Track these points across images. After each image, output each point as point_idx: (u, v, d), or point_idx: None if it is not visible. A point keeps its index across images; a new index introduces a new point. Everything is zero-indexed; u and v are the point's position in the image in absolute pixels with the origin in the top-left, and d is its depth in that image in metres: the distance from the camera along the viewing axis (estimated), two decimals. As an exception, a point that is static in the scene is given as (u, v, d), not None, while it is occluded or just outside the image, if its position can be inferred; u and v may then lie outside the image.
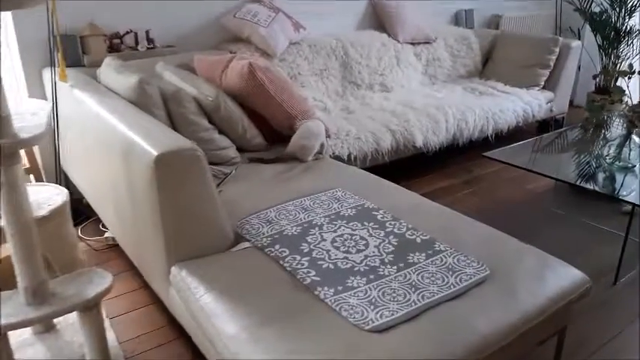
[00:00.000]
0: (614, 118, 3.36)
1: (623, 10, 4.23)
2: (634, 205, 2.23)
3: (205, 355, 1.62)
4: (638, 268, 2.45)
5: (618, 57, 4.31)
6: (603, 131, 3.15)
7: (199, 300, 1.52)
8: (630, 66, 3.92)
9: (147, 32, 2.99)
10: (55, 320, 1.93)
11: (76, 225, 2.73)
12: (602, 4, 4.35)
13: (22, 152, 2.69)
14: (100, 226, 2.69)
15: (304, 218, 1.90)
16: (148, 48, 2.98)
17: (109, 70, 2.40)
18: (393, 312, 1.41)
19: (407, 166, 3.46)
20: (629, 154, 2.68)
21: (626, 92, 4.06)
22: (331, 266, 1.62)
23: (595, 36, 4.39)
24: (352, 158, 2.93)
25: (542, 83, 4.12)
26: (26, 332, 1.89)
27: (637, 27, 4.26)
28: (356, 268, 1.61)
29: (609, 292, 2.30)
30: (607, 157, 2.68)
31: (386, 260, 1.65)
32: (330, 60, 3.58)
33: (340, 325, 1.38)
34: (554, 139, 3.05)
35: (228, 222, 1.77)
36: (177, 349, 1.93)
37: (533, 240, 1.87)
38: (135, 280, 2.31)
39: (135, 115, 1.97)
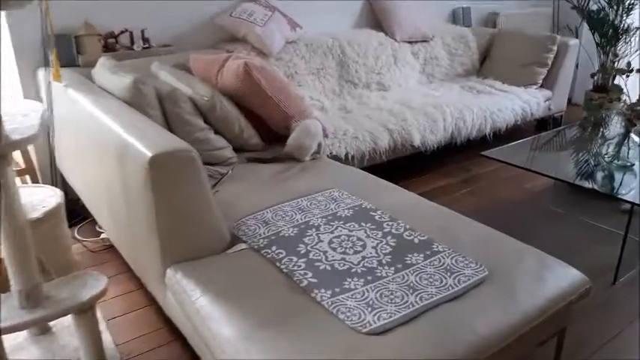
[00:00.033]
0: (612, 117, 3.35)
1: (620, 7, 4.21)
2: (633, 203, 2.22)
3: (202, 358, 1.61)
4: (637, 268, 2.44)
5: (616, 55, 4.30)
6: (602, 130, 3.14)
7: (195, 303, 1.50)
8: (628, 64, 3.90)
9: (142, 32, 2.97)
10: (51, 323, 1.91)
11: (72, 226, 2.72)
12: (599, 1, 4.34)
13: (18, 153, 2.69)
14: (97, 227, 2.67)
15: (301, 219, 1.88)
16: (143, 48, 2.96)
17: (104, 70, 2.38)
18: (391, 314, 1.40)
19: (405, 166, 3.44)
20: (628, 152, 2.67)
21: (624, 90, 4.05)
22: (328, 268, 1.60)
23: (593, 34, 4.38)
24: (350, 158, 2.91)
25: (540, 81, 4.10)
26: (21, 335, 1.87)
27: (635, 25, 4.24)
28: (353, 270, 1.59)
29: (608, 291, 2.29)
30: (605, 156, 2.67)
31: (383, 261, 1.63)
32: (327, 59, 3.56)
33: (337, 328, 1.36)
34: (552, 137, 3.04)
35: (224, 223, 1.75)
36: (175, 351, 1.91)
37: (531, 239, 1.86)
38: (132, 282, 2.29)
39: (129, 115, 1.96)
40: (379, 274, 1.57)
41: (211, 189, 2.06)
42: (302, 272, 1.58)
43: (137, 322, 2.06)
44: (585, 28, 4.61)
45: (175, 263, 1.64)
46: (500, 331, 1.41)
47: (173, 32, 3.15)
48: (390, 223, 1.85)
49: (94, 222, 2.70)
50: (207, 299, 1.49)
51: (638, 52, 4.26)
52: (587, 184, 2.38)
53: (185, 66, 2.77)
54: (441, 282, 1.54)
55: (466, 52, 4.35)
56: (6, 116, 1.42)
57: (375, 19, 4.03)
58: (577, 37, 4.38)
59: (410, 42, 4.05)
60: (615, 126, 3.17)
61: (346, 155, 2.90)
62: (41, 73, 2.64)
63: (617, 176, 2.46)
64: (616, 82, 4.28)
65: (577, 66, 4.64)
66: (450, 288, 1.52)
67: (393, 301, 1.45)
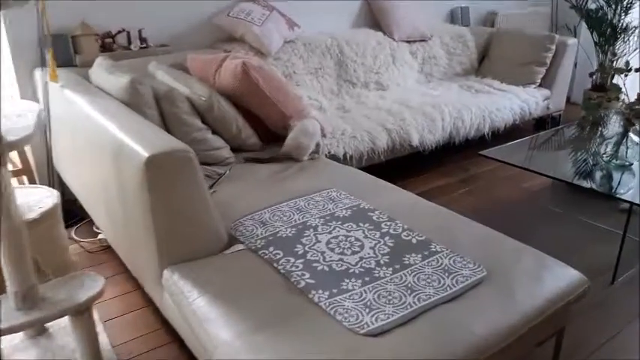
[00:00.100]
0: (610, 116, 3.35)
1: (619, 7, 4.21)
2: (631, 203, 2.21)
3: (199, 359, 1.60)
4: (637, 267, 2.44)
5: (614, 54, 4.29)
6: (600, 129, 3.13)
7: (192, 304, 1.49)
8: (627, 63, 3.90)
9: (139, 31, 2.96)
10: (48, 324, 1.90)
11: (69, 226, 2.71)
12: (598, 1, 4.33)
13: (15, 153, 2.68)
14: (94, 228, 2.66)
15: (299, 219, 1.88)
16: (140, 47, 2.95)
17: (101, 70, 2.37)
18: (389, 315, 1.39)
19: (403, 165, 3.44)
20: (626, 152, 2.66)
21: (623, 90, 4.04)
22: (326, 268, 1.59)
23: (591, 33, 4.38)
24: (348, 158, 2.90)
25: (539, 81, 4.10)
26: (18, 336, 1.86)
27: (633, 24, 4.24)
28: (351, 270, 1.58)
29: (607, 291, 2.28)
30: (604, 155, 2.66)
31: (381, 262, 1.63)
32: (325, 58, 3.55)
33: (335, 330, 1.35)
34: (550, 137, 3.04)
35: (221, 224, 1.74)
36: (172, 353, 1.90)
37: (530, 239, 1.85)
38: (129, 282, 2.29)
39: (126, 115, 1.95)
40: (377, 275, 1.56)
41: (209, 189, 2.06)
42: (299, 273, 1.57)
43: (134, 323, 2.06)
44: (584, 28, 4.60)
45: (172, 264, 1.64)
46: (499, 331, 1.40)
47: (170, 32, 3.14)
48: (388, 224, 1.84)
49: (91, 222, 2.69)
50: (204, 300, 1.48)
51: (636, 51, 4.25)
52: (586, 184, 2.38)
53: (183, 66, 2.76)
54: (439, 282, 1.53)
55: (464, 52, 4.34)
56: (2, 117, 1.41)
57: (374, 19, 4.03)
58: (575, 37, 4.37)
59: (408, 41, 4.04)
60: (614, 125, 3.16)
61: (344, 155, 2.89)
62: (38, 74, 2.63)
63: (616, 176, 2.46)
64: (614, 81, 4.27)
65: (575, 65, 4.63)
66: (448, 288, 1.51)
67: (391, 302, 1.44)
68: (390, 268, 1.60)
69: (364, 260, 1.63)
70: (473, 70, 4.39)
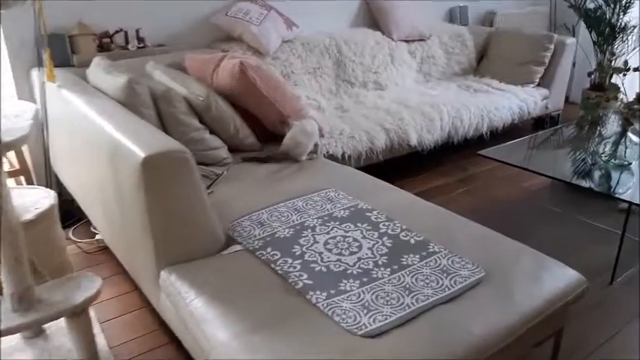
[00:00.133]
0: (609, 116, 3.34)
1: (617, 6, 4.20)
2: (630, 203, 2.21)
3: (196, 360, 1.59)
4: (636, 267, 2.43)
5: (613, 54, 4.29)
6: (599, 129, 3.13)
7: (189, 305, 1.49)
8: (625, 62, 3.90)
9: (137, 31, 2.95)
10: (45, 325, 1.89)
11: (67, 227, 2.70)
12: (596, 0, 4.33)
13: (12, 154, 2.67)
14: (92, 228, 2.65)
15: (297, 220, 1.87)
16: (138, 47, 2.94)
17: (98, 70, 2.36)
18: (387, 316, 1.38)
19: (402, 165, 3.43)
20: (625, 151, 2.66)
21: (622, 89, 4.04)
22: (324, 269, 1.59)
23: (590, 33, 4.37)
24: (346, 157, 2.89)
25: (537, 80, 4.09)
26: (15, 338, 1.85)
27: (632, 23, 4.23)
28: (349, 271, 1.58)
29: (606, 291, 2.28)
30: (603, 155, 2.66)
31: (379, 262, 1.62)
32: (324, 58, 3.54)
33: (333, 331, 1.35)
34: (549, 136, 3.03)
35: (218, 224, 1.74)
36: (170, 354, 1.89)
37: (528, 238, 1.85)
38: (127, 283, 2.28)
39: (123, 115, 1.94)
40: (375, 276, 1.56)
41: (206, 189, 2.05)
42: (297, 274, 1.56)
43: (132, 324, 2.05)
44: (582, 27, 4.60)
45: (169, 265, 1.63)
46: (498, 332, 1.40)
47: (168, 32, 3.13)
48: (387, 224, 1.84)
49: (88, 223, 2.68)
50: (201, 301, 1.48)
51: (634, 51, 4.25)
52: (584, 184, 2.38)
53: (180, 66, 2.75)
54: (438, 283, 1.53)
55: (463, 51, 4.34)
56: (2, 117, 1.41)
57: (372, 19, 4.02)
58: (574, 36, 4.37)
59: (407, 41, 4.03)
60: (612, 125, 3.16)
61: (343, 155, 2.88)
62: (35, 74, 2.62)
63: (615, 175, 2.46)
64: (613, 80, 4.27)
65: (574, 65, 4.63)
66: (447, 289, 1.50)
67: (389, 303, 1.44)
68: (388, 269, 1.59)
69: (362, 261, 1.63)
70: (471, 69, 4.38)
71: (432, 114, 3.32)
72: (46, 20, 2.44)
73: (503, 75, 4.11)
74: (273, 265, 1.61)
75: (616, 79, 4.23)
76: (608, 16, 4.24)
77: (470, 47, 4.37)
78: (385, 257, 1.65)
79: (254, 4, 3.28)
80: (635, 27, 4.25)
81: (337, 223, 1.85)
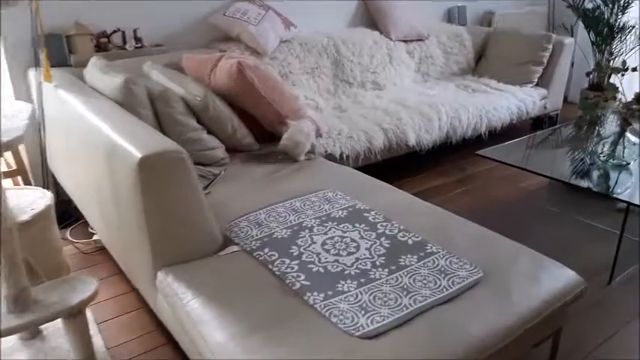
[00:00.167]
0: (607, 116, 3.34)
1: (616, 6, 4.20)
2: (628, 203, 2.20)
3: (193, 362, 1.59)
4: (636, 267, 2.43)
5: (611, 54, 4.29)
6: (597, 129, 3.13)
7: (186, 306, 1.48)
8: (623, 63, 3.89)
9: (135, 31, 2.94)
10: (42, 326, 1.88)
11: (64, 227, 2.70)
12: (595, 0, 4.33)
13: (9, 154, 2.66)
14: (89, 229, 2.65)
15: (294, 220, 1.86)
16: (135, 47, 2.93)
17: (95, 70, 2.36)
18: (384, 317, 1.38)
19: (400, 165, 3.43)
20: (623, 151, 2.65)
21: (620, 89, 4.04)
22: (321, 270, 1.58)
23: (588, 32, 4.37)
24: (344, 157, 2.89)
25: (536, 80, 4.09)
26: (12, 339, 1.85)
27: (630, 23, 4.23)
28: (346, 272, 1.57)
29: (604, 291, 2.27)
30: (601, 155, 2.65)
31: (377, 263, 1.62)
32: (322, 58, 3.54)
33: (330, 332, 1.34)
34: (547, 136, 3.03)
35: (216, 225, 1.73)
36: (167, 354, 1.89)
37: (527, 238, 1.84)
38: (124, 284, 2.27)
39: (120, 116, 1.93)
40: (373, 276, 1.55)
41: (204, 190, 2.05)
42: (294, 275, 1.56)
43: (129, 324, 2.04)
44: (581, 27, 4.59)
45: (166, 266, 1.62)
46: (495, 332, 1.39)
47: (166, 32, 3.13)
48: (384, 224, 1.83)
49: (86, 223, 2.68)
50: (198, 302, 1.47)
51: (632, 51, 4.24)
52: (583, 184, 2.37)
53: (178, 66, 2.74)
54: (435, 284, 1.52)
55: (461, 51, 4.33)
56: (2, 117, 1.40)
57: (371, 19, 4.01)
58: (572, 36, 4.36)
59: (405, 41, 4.03)
60: (611, 125, 3.16)
61: (341, 155, 2.88)
62: (32, 74, 2.61)
63: (613, 175, 2.45)
64: (611, 80, 4.26)
65: (572, 64, 4.63)
66: (445, 290, 1.50)
67: (387, 304, 1.43)
68: (386, 270, 1.58)
69: (360, 261, 1.62)
70: (470, 69, 4.38)
71: (431, 114, 3.32)
72: (42, 20, 2.43)
73: (501, 75, 4.11)
74: (270, 266, 1.60)
75: (614, 79, 4.23)
76: (606, 16, 4.24)
77: (468, 47, 4.37)
78: (383, 258, 1.64)
79: (252, 4, 3.28)
80: (633, 27, 4.25)
81: (335, 223, 1.84)
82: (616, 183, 2.38)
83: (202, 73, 2.57)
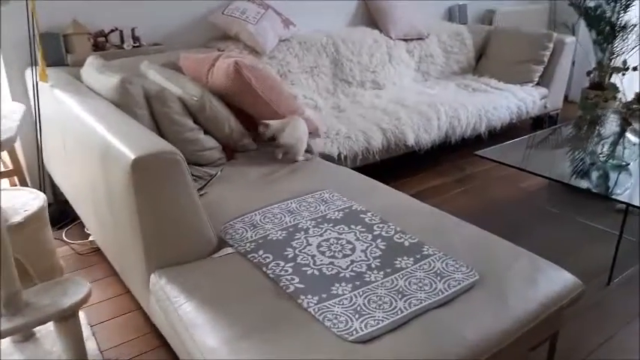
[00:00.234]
0: (608, 116, 3.32)
1: (618, 4, 4.17)
2: (627, 204, 2.18)
3: (186, 365, 1.57)
4: (635, 268, 2.41)
5: (613, 52, 4.26)
6: (597, 129, 3.10)
7: (178, 310, 1.47)
8: (624, 62, 3.87)
9: (132, 30, 2.93)
10: (36, 328, 1.87)
11: (60, 228, 2.69)
12: (597, -2, 4.30)
13: (5, 154, 2.65)
14: (85, 229, 2.63)
15: (290, 222, 1.85)
16: (133, 46, 2.91)
17: (91, 70, 2.34)
18: (379, 321, 1.36)
19: (399, 165, 3.41)
20: (623, 151, 2.63)
21: (620, 89, 4.01)
22: (316, 272, 1.57)
23: (590, 31, 4.34)
24: (342, 158, 2.87)
25: (536, 79, 4.07)
26: (5, 342, 1.83)
27: (632, 22, 4.20)
28: (341, 275, 1.56)
29: (602, 292, 2.25)
30: (601, 155, 2.63)
31: (373, 265, 1.60)
32: (321, 57, 3.52)
33: (323, 336, 1.33)
34: (547, 136, 3.01)
35: (210, 227, 1.72)
36: (161, 357, 1.87)
37: (526, 239, 1.83)
38: (119, 285, 2.26)
39: (115, 116, 1.92)
40: (368, 279, 1.54)
41: (200, 191, 2.04)
42: (289, 277, 1.54)
43: (123, 327, 2.03)
44: (582, 25, 4.57)
45: (160, 268, 1.61)
46: (491, 336, 1.38)
47: (164, 31, 3.11)
48: (381, 226, 1.82)
49: (82, 224, 2.66)
50: (191, 306, 1.46)
51: (634, 50, 4.21)
52: (582, 184, 2.35)
53: (176, 65, 2.73)
54: (431, 287, 1.51)
55: (462, 50, 4.31)
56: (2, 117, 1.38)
57: (371, 18, 3.99)
58: (574, 34, 4.34)
59: (405, 40, 4.01)
60: (611, 125, 3.13)
61: (339, 155, 2.86)
62: (29, 73, 2.60)
63: (612, 176, 2.43)
64: (612, 80, 4.24)
65: (574, 63, 4.60)
66: (440, 293, 1.48)
67: (381, 307, 1.42)
68: (382, 272, 1.57)
69: (355, 264, 1.61)
70: (470, 68, 4.36)
71: (430, 113, 3.30)
72: (39, 20, 2.42)
73: (502, 74, 4.09)
74: (264, 269, 1.59)
75: (615, 78, 4.20)
76: (608, 15, 4.21)
77: (469, 46, 4.34)
78: (378, 260, 1.63)
79: (251, 2, 3.26)
80: (635, 26, 4.22)
81: (331, 225, 1.83)
82: (615, 184, 2.36)
83: (200, 73, 2.56)
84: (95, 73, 2.31)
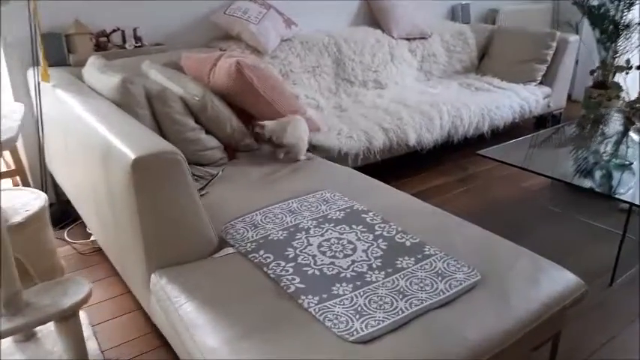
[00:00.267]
0: (611, 115, 3.30)
1: (621, 3, 4.15)
2: (631, 203, 2.17)
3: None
4: (636, 268, 2.40)
5: (616, 52, 4.24)
6: (600, 128, 3.09)
7: (179, 310, 1.46)
8: (627, 61, 3.85)
9: (134, 30, 2.93)
10: (37, 328, 1.87)
11: (62, 227, 2.69)
12: (600, -4, 4.28)
13: (8, 154, 2.66)
14: (87, 229, 2.63)
15: (291, 222, 1.84)
16: (135, 46, 2.92)
17: (93, 70, 2.34)
18: (379, 321, 1.36)
19: (400, 164, 3.40)
20: (627, 151, 2.62)
21: (624, 88, 4.00)
22: (317, 272, 1.56)
23: (593, 30, 4.32)
24: (343, 157, 2.86)
25: (540, 78, 4.06)
26: (6, 341, 1.83)
27: (636, 20, 4.19)
28: (342, 275, 1.55)
29: (605, 292, 2.24)
30: (604, 154, 2.62)
31: (374, 265, 1.59)
32: (323, 57, 3.51)
33: (324, 336, 1.32)
34: (550, 135, 3.00)
35: (211, 227, 1.71)
36: (162, 357, 1.87)
37: (528, 239, 1.82)
38: (120, 285, 2.26)
39: (116, 116, 1.92)
40: (369, 279, 1.53)
41: (201, 190, 2.04)
42: (289, 277, 1.54)
43: (125, 326, 2.03)
44: (586, 24, 4.55)
45: (160, 268, 1.61)
46: (493, 337, 1.37)
47: (166, 31, 3.11)
48: (382, 226, 1.81)
49: (84, 223, 2.66)
50: (191, 306, 1.45)
51: (638, 48, 4.20)
52: (585, 184, 2.34)
53: (177, 65, 2.73)
54: (432, 287, 1.50)
55: (465, 49, 4.30)
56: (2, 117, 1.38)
57: (373, 18, 3.99)
58: (577, 33, 4.32)
59: (407, 39, 4.00)
60: (614, 124, 3.12)
61: (340, 155, 2.85)
62: (31, 73, 2.60)
63: (616, 175, 2.42)
64: (615, 79, 4.22)
65: (577, 62, 4.58)
66: (441, 293, 1.48)
67: (382, 308, 1.41)
68: (383, 272, 1.56)
69: (356, 264, 1.60)
70: (473, 67, 4.35)
71: (432, 113, 3.29)
72: (41, 20, 2.42)
73: (505, 73, 4.08)
74: (265, 269, 1.59)
75: (618, 77, 4.19)
76: (611, 13, 4.19)
77: (471, 45, 4.33)
78: (380, 260, 1.62)
79: (253, 2, 3.26)
80: (639, 24, 4.20)
81: (332, 225, 1.82)
82: (619, 183, 2.35)
83: (201, 73, 2.55)
84: (97, 72, 2.31)
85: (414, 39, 4.04)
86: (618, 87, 4.04)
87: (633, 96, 2.90)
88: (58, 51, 2.69)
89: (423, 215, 1.93)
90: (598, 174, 2.44)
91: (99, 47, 2.84)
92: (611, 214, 2.86)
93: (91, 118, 1.88)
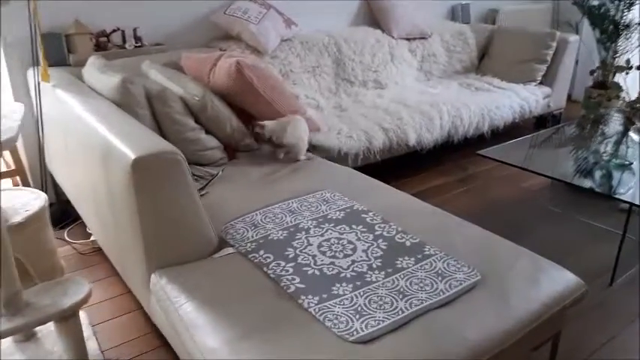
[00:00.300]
0: (611, 115, 3.30)
1: (621, 3, 4.15)
2: (630, 203, 2.17)
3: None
4: (637, 267, 2.40)
5: (616, 52, 4.24)
6: (600, 128, 3.09)
7: (179, 310, 1.46)
8: (627, 61, 3.85)
9: (134, 30, 2.93)
10: (37, 328, 1.87)
11: (62, 227, 2.69)
12: (600, -4, 4.28)
13: (8, 154, 2.66)
14: (87, 229, 2.63)
15: (291, 222, 1.84)
16: (135, 46, 2.92)
17: (93, 70, 2.34)
18: (379, 321, 1.36)
19: (401, 164, 3.40)
20: (627, 151, 2.62)
21: (624, 88, 3.99)
22: (317, 272, 1.56)
23: (593, 30, 4.32)
24: (343, 157, 2.86)
25: (540, 78, 4.06)
26: (6, 341, 1.83)
27: (636, 20, 4.18)
28: (342, 275, 1.55)
29: (605, 292, 2.24)
30: (604, 154, 2.62)
31: (374, 265, 1.59)
32: (323, 57, 3.51)
33: (324, 336, 1.32)
34: (550, 135, 3.00)
35: (211, 227, 1.71)
36: (162, 357, 1.87)
37: (528, 239, 1.82)
38: (120, 285, 2.26)
39: (116, 116, 1.92)
40: (369, 279, 1.53)
41: (201, 190, 2.04)
42: (289, 277, 1.54)
43: (125, 326, 2.03)
44: (586, 24, 4.55)
45: (160, 268, 1.61)
46: (493, 337, 1.37)
47: (166, 30, 3.11)
48: (382, 226, 1.81)
49: (84, 223, 2.66)
50: (191, 306, 1.45)
51: (638, 48, 4.20)
52: (585, 184, 2.34)
53: (177, 65, 2.73)
54: (432, 287, 1.50)
55: (465, 49, 4.30)
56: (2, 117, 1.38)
57: (373, 18, 3.99)
58: (577, 33, 4.32)
59: (407, 39, 4.00)
60: (614, 124, 3.12)
61: (340, 155, 2.85)
62: (31, 73, 2.60)
63: (616, 175, 2.42)
64: (615, 79, 4.22)
65: (577, 62, 4.59)
66: (441, 293, 1.48)
67: (382, 308, 1.41)
68: (383, 272, 1.56)
69: (356, 264, 1.60)
70: (473, 67, 4.35)
71: (432, 113, 3.29)
72: (41, 20, 2.42)
73: (504, 73, 4.08)
74: (265, 269, 1.59)
75: (618, 77, 4.19)
76: (612, 13, 4.19)
77: (471, 45, 4.33)
78: (380, 260, 1.62)
79: (253, 2, 3.26)
80: (639, 24, 4.20)
81: (332, 225, 1.82)
82: (619, 183, 2.35)
83: (201, 73, 2.55)
84: (97, 72, 2.31)
85: (414, 39, 4.04)
86: (618, 87, 4.04)
87: (633, 96, 2.90)
88: (58, 51, 2.69)
89: (423, 215, 1.93)
90: (598, 174, 2.44)
91: (99, 47, 2.84)
92: (611, 214, 2.86)
93: (91, 118, 1.88)
